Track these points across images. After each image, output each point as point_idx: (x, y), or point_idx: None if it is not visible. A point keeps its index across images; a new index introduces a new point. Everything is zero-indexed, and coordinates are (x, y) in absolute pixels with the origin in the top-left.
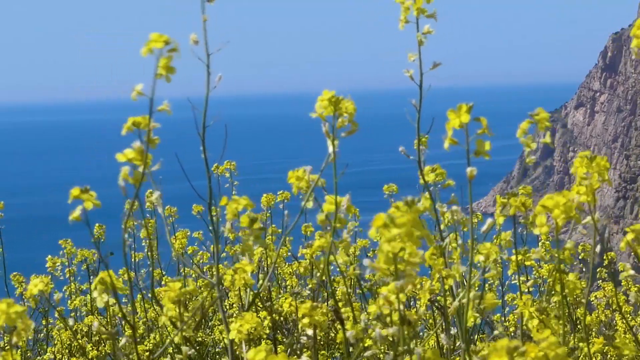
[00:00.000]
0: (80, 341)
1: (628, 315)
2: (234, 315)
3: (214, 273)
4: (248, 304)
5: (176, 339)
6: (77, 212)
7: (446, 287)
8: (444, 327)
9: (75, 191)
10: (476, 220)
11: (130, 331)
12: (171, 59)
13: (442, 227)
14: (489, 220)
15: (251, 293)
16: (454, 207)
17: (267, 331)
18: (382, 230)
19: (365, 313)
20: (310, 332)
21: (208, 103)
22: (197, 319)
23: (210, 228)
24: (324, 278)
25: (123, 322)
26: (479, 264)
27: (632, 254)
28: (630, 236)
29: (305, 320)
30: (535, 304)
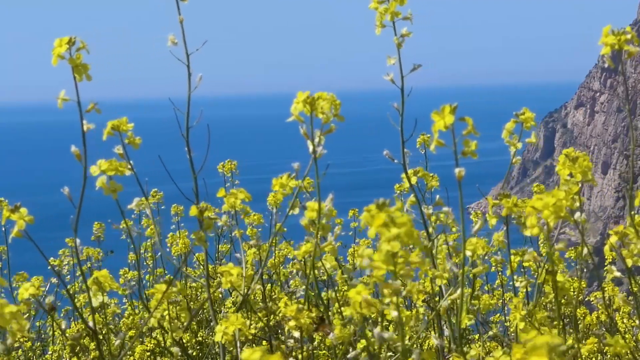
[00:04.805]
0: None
1: (626, 316)
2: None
3: (204, 274)
4: (238, 305)
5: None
6: (15, 230)
7: (436, 288)
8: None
9: (5, 212)
10: (478, 220)
11: (133, 332)
12: (81, 58)
13: (430, 229)
14: (480, 221)
15: (238, 295)
16: (445, 209)
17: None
18: (382, 230)
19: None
20: (297, 334)
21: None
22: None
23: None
24: (310, 282)
25: (121, 322)
26: (469, 260)
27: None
28: (613, 239)
29: (292, 323)
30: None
